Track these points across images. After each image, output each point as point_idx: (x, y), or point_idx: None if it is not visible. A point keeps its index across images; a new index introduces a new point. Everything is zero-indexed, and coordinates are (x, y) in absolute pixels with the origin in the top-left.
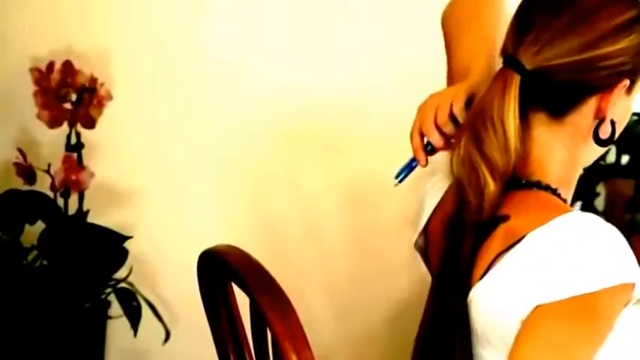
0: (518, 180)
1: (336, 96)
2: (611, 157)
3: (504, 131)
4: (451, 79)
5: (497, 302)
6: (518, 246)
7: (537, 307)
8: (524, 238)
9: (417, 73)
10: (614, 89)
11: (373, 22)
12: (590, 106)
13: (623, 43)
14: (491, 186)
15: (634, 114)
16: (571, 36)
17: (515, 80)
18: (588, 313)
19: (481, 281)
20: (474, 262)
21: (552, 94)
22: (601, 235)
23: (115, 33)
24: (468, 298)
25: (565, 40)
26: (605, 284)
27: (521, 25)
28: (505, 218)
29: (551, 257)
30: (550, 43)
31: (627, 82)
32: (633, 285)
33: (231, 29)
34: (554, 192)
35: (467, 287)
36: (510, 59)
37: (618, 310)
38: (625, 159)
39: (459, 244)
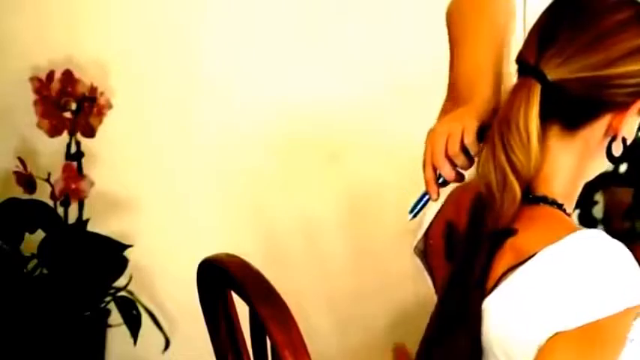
0: (526, 194)
1: (335, 105)
2: (610, 166)
3: (529, 138)
4: (454, 87)
5: (505, 319)
6: (528, 264)
7: (557, 334)
8: (535, 257)
9: (415, 83)
10: (629, 108)
11: (371, 31)
12: (603, 122)
13: None
14: (517, 191)
15: None
16: (594, 52)
17: (538, 90)
18: (607, 335)
19: (491, 294)
20: (487, 271)
21: (569, 107)
22: (613, 255)
23: (115, 42)
24: (482, 307)
25: (588, 55)
26: (623, 307)
27: (545, 36)
28: (513, 232)
29: (566, 280)
30: (573, 56)
31: None
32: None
33: (230, 38)
34: (559, 207)
35: (482, 295)
36: (532, 69)
37: (630, 327)
38: (623, 167)
39: (476, 251)
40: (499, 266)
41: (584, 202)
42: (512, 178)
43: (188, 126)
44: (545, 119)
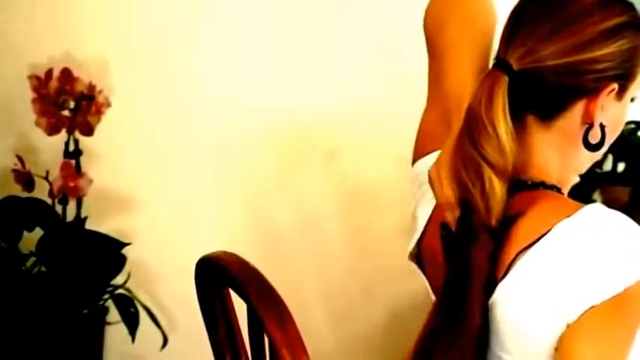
0: (524, 181)
1: (333, 104)
2: (608, 165)
3: (496, 132)
4: (440, 96)
5: (522, 300)
6: (544, 240)
7: (592, 307)
8: (550, 232)
9: (412, 82)
10: (600, 93)
11: (369, 28)
12: (577, 110)
13: (611, 48)
14: (497, 185)
15: (631, 122)
16: (559, 38)
17: (504, 81)
18: (635, 303)
19: (504, 281)
20: (495, 264)
21: (539, 97)
22: (628, 226)
23: (113, 40)
24: (490, 301)
25: (553, 43)
26: None
27: (512, 26)
28: (521, 214)
29: (589, 253)
30: (538, 44)
31: (615, 86)
32: None
33: (229, 37)
34: (559, 191)
35: (490, 291)
36: (500, 60)
37: None
38: (621, 167)
39: (470, 249)
40: (508, 253)
41: (582, 200)
42: (490, 174)
43: (186, 124)
44: (521, 111)
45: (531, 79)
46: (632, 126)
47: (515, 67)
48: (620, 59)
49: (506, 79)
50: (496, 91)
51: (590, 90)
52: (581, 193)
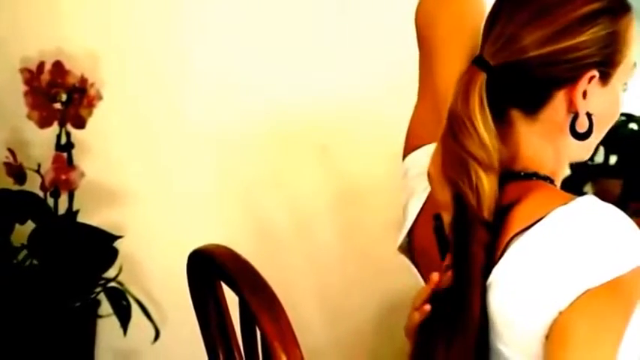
0: (517, 172)
1: (325, 97)
2: (600, 158)
3: (475, 129)
4: (431, 93)
5: (518, 283)
6: (539, 225)
7: (588, 290)
8: (546, 217)
9: (404, 76)
10: (578, 83)
11: (363, 23)
12: (560, 100)
13: (587, 36)
14: (484, 179)
15: (623, 114)
16: (532, 30)
17: (480, 78)
18: (629, 290)
19: (499, 264)
20: (492, 253)
21: (520, 91)
22: (622, 216)
23: (105, 34)
24: (487, 283)
25: (528, 34)
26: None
27: (489, 24)
28: (516, 202)
29: (586, 239)
30: (512, 38)
31: (595, 73)
32: None
33: (222, 31)
34: (552, 183)
35: (485, 278)
36: (477, 57)
37: None
38: (613, 159)
39: (467, 243)
40: (504, 239)
41: (574, 193)
42: (477, 169)
43: (178, 117)
44: (504, 106)
45: (509, 73)
46: (624, 118)
47: (492, 62)
48: (598, 46)
49: (482, 75)
50: (472, 88)
51: (569, 79)
52: (573, 186)
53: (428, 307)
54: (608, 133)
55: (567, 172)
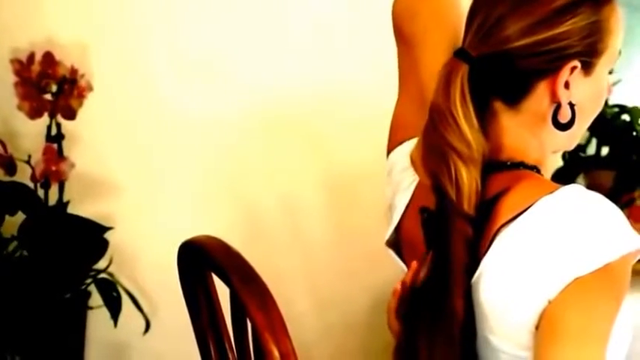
0: (503, 162)
1: (316, 86)
2: (592, 149)
3: (455, 121)
4: (419, 86)
5: (507, 272)
6: (526, 214)
7: (576, 279)
8: (533, 207)
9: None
10: (559, 73)
11: (353, 14)
12: (542, 90)
13: (567, 26)
14: (464, 172)
15: (615, 106)
16: (514, 21)
17: (462, 69)
18: (617, 277)
19: (485, 258)
20: (476, 246)
21: (502, 82)
22: (609, 204)
23: (96, 24)
24: (474, 278)
25: (507, 26)
26: (627, 250)
27: (470, 16)
28: (504, 192)
29: (575, 228)
30: (494, 29)
31: (576, 63)
32: (638, 251)
33: (212, 19)
34: (538, 172)
35: (473, 272)
36: (459, 49)
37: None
38: (605, 150)
39: (448, 235)
40: (491, 230)
41: (566, 185)
42: (455, 160)
43: (169, 108)
44: (486, 97)
45: (491, 64)
46: (616, 109)
47: (473, 53)
48: (579, 36)
49: (464, 67)
50: (453, 79)
51: (550, 69)
52: (565, 177)
53: (398, 286)
54: (601, 124)
55: (559, 163)
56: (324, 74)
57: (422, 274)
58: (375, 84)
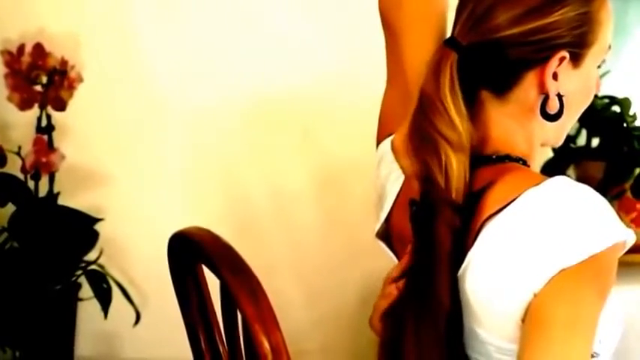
0: (488, 156)
1: (306, 78)
2: (582, 140)
3: (445, 109)
4: (406, 76)
5: (493, 264)
6: (513, 206)
7: (562, 270)
8: (519, 198)
9: None
10: (547, 64)
11: (343, 5)
12: (530, 81)
13: (556, 16)
14: (454, 160)
15: (605, 97)
16: (504, 10)
17: (452, 58)
18: (604, 268)
19: (471, 250)
20: (463, 237)
21: (490, 71)
22: (596, 196)
23: (86, 16)
24: (460, 271)
25: (497, 15)
26: (614, 241)
27: (461, 3)
28: (489, 185)
29: (561, 219)
30: (483, 17)
31: (565, 54)
32: (624, 243)
33: (203, 11)
34: (525, 164)
35: (459, 264)
36: (449, 37)
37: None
38: (595, 142)
39: (433, 224)
40: (477, 223)
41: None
42: (446, 148)
43: (159, 100)
44: (474, 87)
45: (479, 53)
46: (607, 100)
47: (463, 42)
48: (568, 27)
49: (453, 55)
50: (443, 67)
51: (539, 60)
52: (556, 169)
53: (394, 291)
54: (591, 115)
55: (549, 154)
56: (314, 67)
57: (403, 263)
58: (365, 76)
